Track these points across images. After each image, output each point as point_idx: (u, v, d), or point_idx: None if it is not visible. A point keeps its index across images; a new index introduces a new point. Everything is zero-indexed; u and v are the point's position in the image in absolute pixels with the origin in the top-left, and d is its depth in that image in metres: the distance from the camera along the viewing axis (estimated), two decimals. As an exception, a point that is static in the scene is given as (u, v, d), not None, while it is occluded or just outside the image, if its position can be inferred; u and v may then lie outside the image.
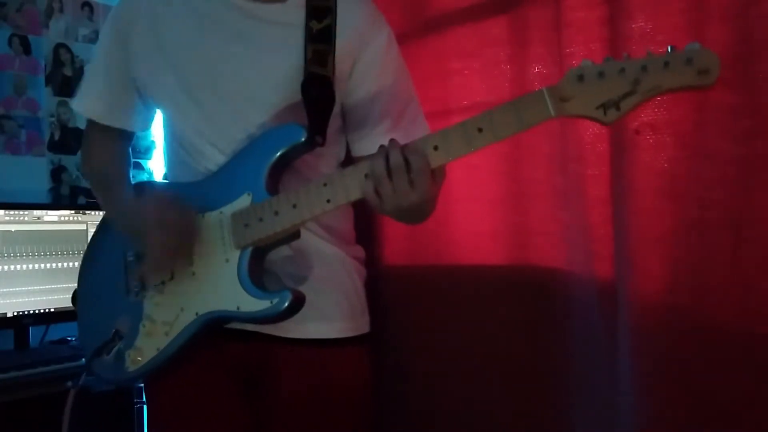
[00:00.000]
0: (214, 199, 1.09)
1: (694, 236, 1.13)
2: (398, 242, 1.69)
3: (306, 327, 1.11)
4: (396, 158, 0.94)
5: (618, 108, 0.86)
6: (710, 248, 1.10)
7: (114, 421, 2.01)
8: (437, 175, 0.99)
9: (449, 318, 1.56)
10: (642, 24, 1.15)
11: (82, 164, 1.34)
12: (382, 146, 0.97)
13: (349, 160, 1.21)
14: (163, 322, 1.10)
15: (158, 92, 1.17)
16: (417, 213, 1.04)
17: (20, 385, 1.75)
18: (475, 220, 1.52)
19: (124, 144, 1.28)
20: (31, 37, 2.33)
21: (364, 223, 1.72)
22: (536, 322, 1.41)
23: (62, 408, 1.13)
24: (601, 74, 0.87)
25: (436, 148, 0.95)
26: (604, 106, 0.87)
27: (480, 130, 0.93)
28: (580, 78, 0.88)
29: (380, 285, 1.70)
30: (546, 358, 1.39)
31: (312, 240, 1.12)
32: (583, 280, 1.32)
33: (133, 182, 1.25)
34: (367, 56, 1.14)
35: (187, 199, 1.10)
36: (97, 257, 1.25)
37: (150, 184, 1.32)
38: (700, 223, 1.12)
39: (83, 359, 1.88)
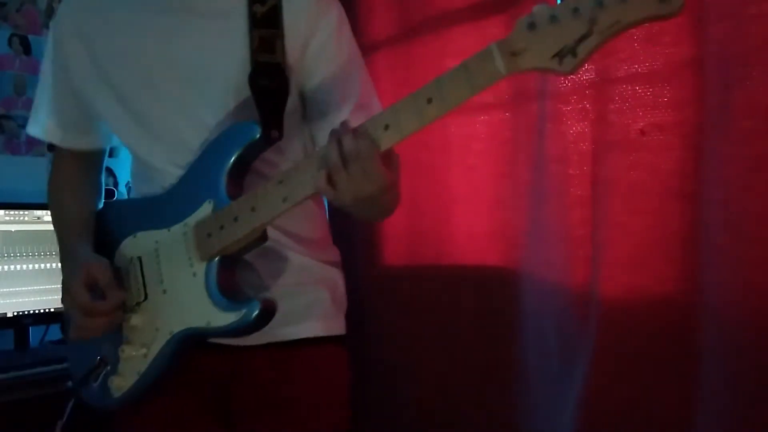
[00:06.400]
0: (178, 211, 1.03)
1: (696, 236, 1.12)
2: (398, 242, 1.69)
3: (273, 332, 1.04)
4: (349, 144, 0.85)
5: (575, 54, 0.76)
6: (712, 248, 1.10)
7: (105, 427, 2.00)
8: (392, 160, 0.90)
9: (449, 317, 1.56)
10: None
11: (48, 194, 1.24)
12: (333, 131, 0.89)
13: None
14: (141, 344, 1.05)
15: (96, 106, 1.11)
16: (378, 205, 0.96)
17: (20, 385, 1.74)
18: (475, 220, 1.52)
19: (91, 169, 1.22)
20: (31, 37, 2.32)
21: (365, 223, 1.72)
22: (528, 321, 1.41)
23: (63, 408, 1.13)
24: (553, 18, 0.77)
25: (386, 127, 0.86)
26: (559, 54, 0.77)
27: (429, 100, 0.84)
28: (531, 26, 0.79)
29: (380, 285, 1.70)
30: (520, 358, 1.40)
31: (275, 248, 1.06)
32: (559, 281, 1.32)
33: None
34: (318, 37, 1.04)
35: (152, 214, 1.07)
36: None
37: (113, 207, 1.23)
38: (703, 223, 1.12)
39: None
